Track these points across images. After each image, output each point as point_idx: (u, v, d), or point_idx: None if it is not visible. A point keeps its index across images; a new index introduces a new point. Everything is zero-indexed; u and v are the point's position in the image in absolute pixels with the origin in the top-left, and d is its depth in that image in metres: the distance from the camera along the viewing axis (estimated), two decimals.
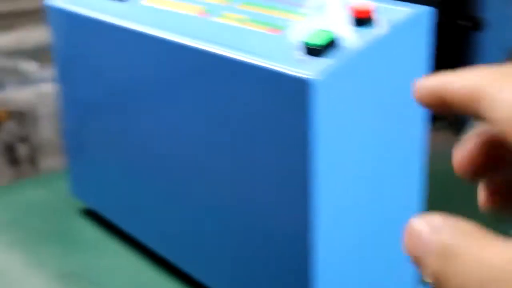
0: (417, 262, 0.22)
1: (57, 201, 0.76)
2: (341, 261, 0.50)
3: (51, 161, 1.64)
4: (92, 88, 0.65)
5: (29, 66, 1.64)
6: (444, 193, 0.58)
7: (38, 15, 1.88)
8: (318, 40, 0.47)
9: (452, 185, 0.53)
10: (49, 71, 1.64)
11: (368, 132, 0.49)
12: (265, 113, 0.48)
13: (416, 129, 0.52)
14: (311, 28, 0.49)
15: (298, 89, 0.45)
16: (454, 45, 0.57)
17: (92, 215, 0.73)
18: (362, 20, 0.50)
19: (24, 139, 1.57)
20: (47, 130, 1.60)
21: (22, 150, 1.58)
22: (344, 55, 0.46)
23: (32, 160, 1.60)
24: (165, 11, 0.58)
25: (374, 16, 0.50)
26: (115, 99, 0.62)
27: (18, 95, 1.53)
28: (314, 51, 0.47)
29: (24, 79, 1.58)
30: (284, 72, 0.46)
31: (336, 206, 0.48)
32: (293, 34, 0.50)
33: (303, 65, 0.46)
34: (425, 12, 0.51)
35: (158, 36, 0.55)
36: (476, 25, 0.54)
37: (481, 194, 0.28)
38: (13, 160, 1.56)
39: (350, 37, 0.48)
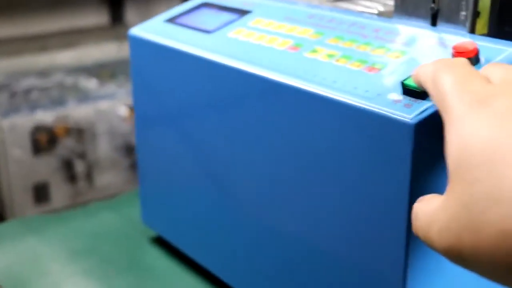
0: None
1: (129, 228, 0.75)
2: None
3: (107, 178, 1.65)
4: (166, 115, 0.64)
5: (89, 83, 1.66)
6: None
7: (98, 32, 1.91)
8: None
9: None
10: (108, 89, 1.66)
11: None
12: (357, 153, 0.46)
13: None
14: (409, 68, 0.48)
15: (396, 131, 0.44)
16: None
17: (164, 243, 0.73)
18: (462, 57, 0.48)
19: (82, 156, 1.59)
20: (104, 147, 1.62)
21: (80, 167, 1.59)
22: None
23: (89, 176, 1.62)
24: (252, 44, 0.57)
25: (477, 57, 0.48)
26: (190, 127, 0.61)
27: (78, 112, 1.55)
28: (412, 92, 0.45)
29: (84, 96, 1.59)
30: (382, 114, 0.44)
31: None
32: (389, 74, 0.48)
33: (401, 107, 0.44)
34: None
35: (245, 70, 0.54)
36: None
37: None
38: (71, 176, 1.58)
39: None
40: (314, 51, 0.54)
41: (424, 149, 0.44)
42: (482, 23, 0.53)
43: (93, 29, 1.95)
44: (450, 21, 0.53)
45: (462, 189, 0.30)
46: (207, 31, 0.62)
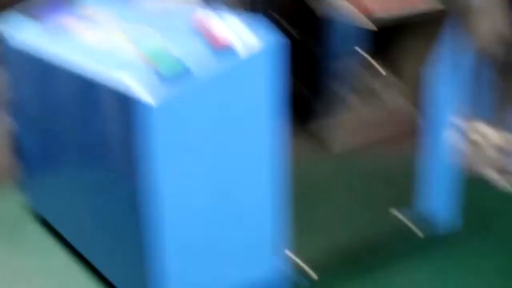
0: None
1: (16, 210, 0.84)
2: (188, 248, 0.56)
3: None
4: (29, 106, 0.73)
5: None
6: (304, 192, 0.67)
7: None
8: (169, 67, 0.53)
9: (310, 186, 0.61)
10: None
11: (211, 147, 0.56)
12: (115, 127, 0.54)
13: (265, 143, 0.59)
14: (166, 53, 0.56)
15: (141, 112, 0.52)
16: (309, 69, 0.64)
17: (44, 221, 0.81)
18: (219, 48, 0.56)
19: None
20: None
21: None
22: (191, 83, 0.53)
23: None
24: (72, 39, 0.65)
25: (230, 45, 0.55)
26: (42, 118, 0.70)
27: None
28: (163, 77, 0.53)
29: None
30: (131, 95, 0.52)
31: (180, 205, 0.55)
32: (148, 58, 0.56)
33: (149, 90, 0.52)
34: (278, 43, 0.56)
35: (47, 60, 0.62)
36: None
37: None
38: None
39: (202, 65, 0.55)
40: (108, 34, 0.61)
41: (167, 127, 0.52)
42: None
43: None
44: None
45: None
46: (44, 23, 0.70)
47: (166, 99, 0.49)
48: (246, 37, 0.54)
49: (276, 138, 0.63)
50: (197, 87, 0.50)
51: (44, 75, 0.60)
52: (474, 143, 2.02)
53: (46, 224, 0.76)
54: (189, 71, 0.50)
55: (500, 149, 2.11)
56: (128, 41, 0.57)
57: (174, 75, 0.52)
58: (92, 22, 0.61)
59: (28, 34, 0.62)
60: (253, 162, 0.64)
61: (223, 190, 0.61)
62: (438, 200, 0.74)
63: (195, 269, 0.63)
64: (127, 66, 0.52)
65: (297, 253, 0.72)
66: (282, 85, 0.58)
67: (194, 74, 0.50)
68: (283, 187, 0.68)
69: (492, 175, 1.78)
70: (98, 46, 0.57)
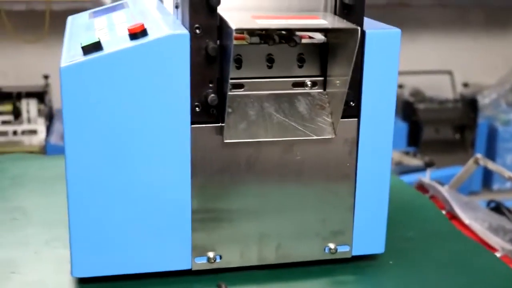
0: None
1: None
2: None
3: None
4: None
5: None
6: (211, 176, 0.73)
7: None
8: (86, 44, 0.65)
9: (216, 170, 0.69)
10: None
11: (118, 118, 0.67)
12: None
13: (176, 126, 0.69)
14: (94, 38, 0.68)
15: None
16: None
17: None
18: (134, 34, 0.67)
19: None
20: None
21: None
22: (100, 53, 0.64)
23: None
24: None
25: (143, 32, 0.67)
26: None
27: None
28: (83, 50, 0.65)
29: None
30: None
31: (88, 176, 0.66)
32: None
33: (72, 59, 0.64)
34: (183, 35, 0.68)
35: None
36: None
37: None
38: None
39: (114, 42, 0.66)
40: None
41: (74, 88, 0.63)
42: None
43: None
44: None
45: None
46: None
47: (73, 62, 0.65)
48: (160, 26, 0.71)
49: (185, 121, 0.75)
50: (105, 57, 0.66)
51: None
52: None
53: None
54: (100, 44, 0.68)
55: None
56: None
57: (88, 47, 0.68)
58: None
59: None
60: (164, 140, 0.74)
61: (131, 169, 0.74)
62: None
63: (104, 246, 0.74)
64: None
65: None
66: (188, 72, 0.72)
67: (104, 47, 0.68)
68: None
69: None
70: None
